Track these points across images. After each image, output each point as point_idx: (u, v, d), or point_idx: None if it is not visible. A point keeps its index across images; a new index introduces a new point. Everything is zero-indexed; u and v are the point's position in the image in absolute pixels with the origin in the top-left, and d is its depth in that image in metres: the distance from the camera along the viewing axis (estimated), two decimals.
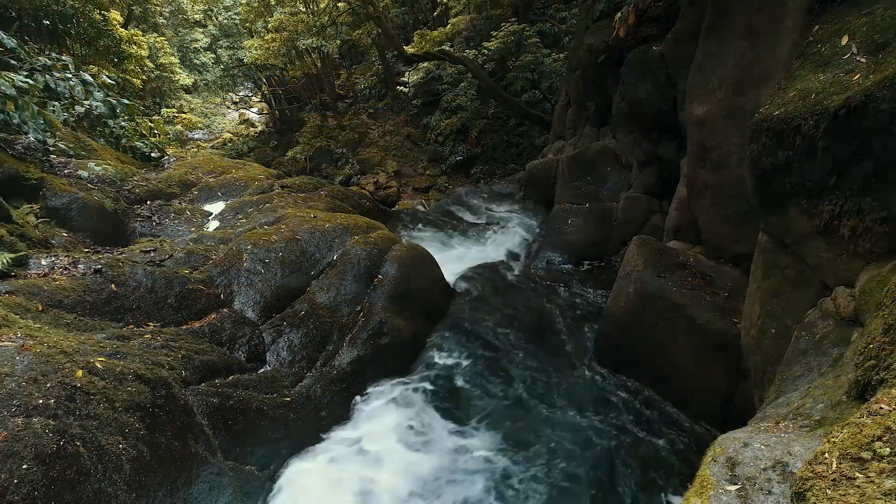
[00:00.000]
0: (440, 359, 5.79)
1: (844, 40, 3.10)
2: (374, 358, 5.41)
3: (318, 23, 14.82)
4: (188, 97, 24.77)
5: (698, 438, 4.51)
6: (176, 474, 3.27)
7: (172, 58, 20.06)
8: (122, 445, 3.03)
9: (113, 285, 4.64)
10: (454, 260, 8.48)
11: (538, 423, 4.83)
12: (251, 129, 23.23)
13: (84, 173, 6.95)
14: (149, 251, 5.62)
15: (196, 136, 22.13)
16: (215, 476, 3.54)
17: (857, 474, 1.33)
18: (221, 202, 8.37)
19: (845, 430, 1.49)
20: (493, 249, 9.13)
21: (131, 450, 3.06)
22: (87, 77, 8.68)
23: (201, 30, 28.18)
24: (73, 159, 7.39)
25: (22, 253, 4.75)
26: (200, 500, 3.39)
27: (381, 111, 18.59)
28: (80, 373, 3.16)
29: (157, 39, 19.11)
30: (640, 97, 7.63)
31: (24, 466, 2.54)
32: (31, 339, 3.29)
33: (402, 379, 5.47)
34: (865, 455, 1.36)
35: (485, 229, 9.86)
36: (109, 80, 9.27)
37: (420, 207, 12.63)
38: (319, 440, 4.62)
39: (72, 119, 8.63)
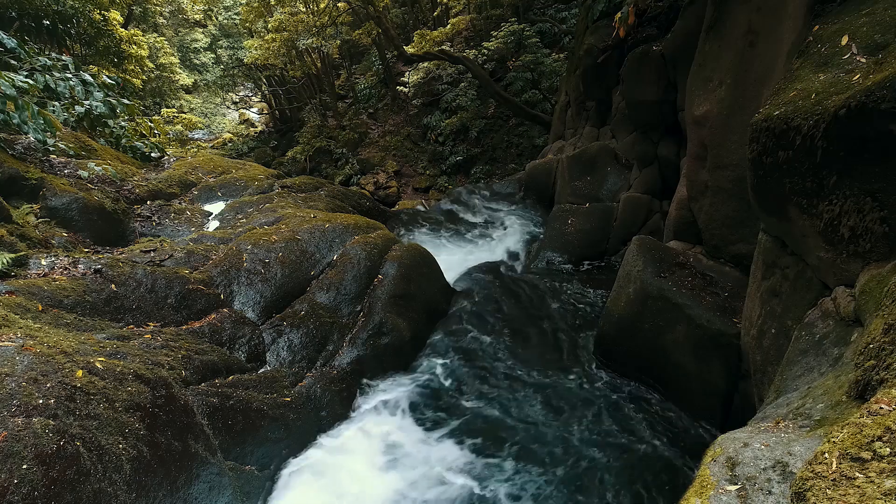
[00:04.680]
0: (440, 359, 5.79)
1: (844, 40, 3.10)
2: (374, 358, 5.41)
3: (318, 23, 14.82)
4: (188, 97, 24.78)
5: (698, 438, 4.51)
6: (176, 474, 3.27)
7: (172, 58, 20.07)
8: (122, 445, 3.03)
9: (113, 285, 4.64)
10: (454, 260, 8.48)
11: (538, 425, 4.82)
12: (251, 129, 23.25)
13: (84, 173, 6.95)
14: (149, 251, 5.62)
15: (196, 136, 22.14)
16: (215, 476, 3.54)
17: (857, 474, 1.33)
18: (221, 202, 8.37)
19: (845, 430, 1.49)
20: (493, 249, 9.13)
21: (131, 450, 3.06)
22: (87, 77, 8.68)
23: (201, 30, 28.18)
24: (73, 159, 7.39)
25: (22, 253, 4.75)
26: (200, 500, 3.39)
27: (381, 111, 18.59)
28: (80, 373, 3.16)
29: (157, 39, 19.12)
30: (639, 97, 7.63)
31: (24, 466, 2.54)
32: (32, 339, 3.29)
33: (402, 379, 5.47)
34: (865, 455, 1.36)
35: (485, 229, 9.86)
36: (109, 80, 9.27)
37: (420, 207, 12.64)
38: (319, 440, 4.61)
39: (72, 119, 8.63)
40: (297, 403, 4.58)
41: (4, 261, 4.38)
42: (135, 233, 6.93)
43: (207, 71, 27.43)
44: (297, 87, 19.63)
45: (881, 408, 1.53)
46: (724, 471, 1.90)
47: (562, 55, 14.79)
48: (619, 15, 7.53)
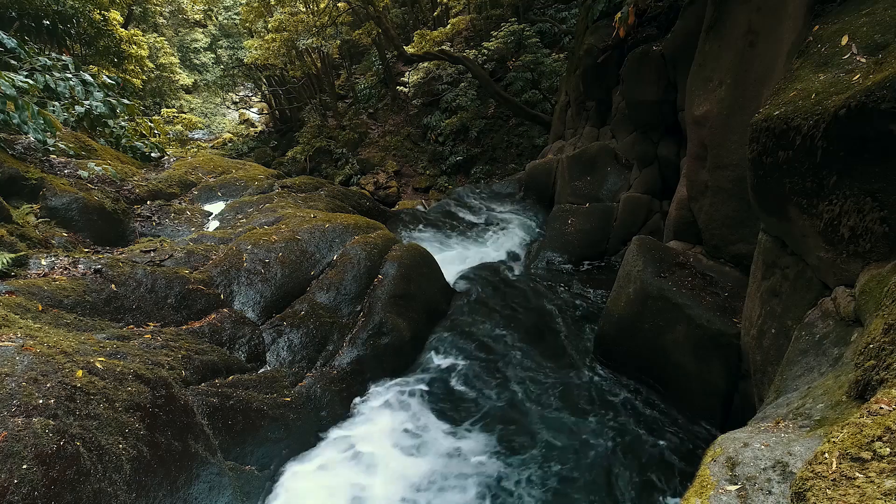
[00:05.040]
0: (440, 359, 5.79)
1: (844, 40, 3.10)
2: (374, 358, 5.41)
3: (318, 23, 14.83)
4: (188, 97, 24.79)
5: (698, 438, 4.51)
6: (176, 474, 3.27)
7: (172, 58, 20.08)
8: (122, 445, 3.03)
9: (113, 285, 4.64)
10: (454, 260, 8.48)
11: (538, 425, 4.82)
12: (251, 129, 23.26)
13: (84, 173, 6.95)
14: (149, 251, 5.62)
15: (196, 136, 22.15)
16: (215, 476, 3.54)
17: (857, 474, 1.33)
18: (221, 202, 8.37)
19: (845, 430, 1.49)
20: (493, 249, 9.12)
21: (131, 450, 3.06)
22: (87, 77, 8.68)
23: (201, 30, 28.19)
24: (73, 159, 7.39)
25: (22, 253, 4.75)
26: (200, 500, 3.39)
27: (381, 111, 18.59)
28: (80, 373, 3.16)
29: (157, 39, 19.12)
30: (639, 97, 7.63)
31: (24, 466, 2.54)
32: (32, 339, 3.29)
33: (402, 379, 5.47)
34: (865, 455, 1.36)
35: (485, 229, 9.85)
36: (109, 80, 9.27)
37: (420, 207, 12.64)
38: (319, 440, 4.61)
39: (72, 119, 8.63)
40: (297, 403, 4.58)
41: (4, 261, 4.38)
42: (135, 233, 6.93)
43: (207, 71, 27.44)
44: (297, 87, 19.64)
45: (881, 408, 1.53)
46: (724, 471, 1.90)
47: (562, 55, 14.79)
48: (619, 15, 7.53)
